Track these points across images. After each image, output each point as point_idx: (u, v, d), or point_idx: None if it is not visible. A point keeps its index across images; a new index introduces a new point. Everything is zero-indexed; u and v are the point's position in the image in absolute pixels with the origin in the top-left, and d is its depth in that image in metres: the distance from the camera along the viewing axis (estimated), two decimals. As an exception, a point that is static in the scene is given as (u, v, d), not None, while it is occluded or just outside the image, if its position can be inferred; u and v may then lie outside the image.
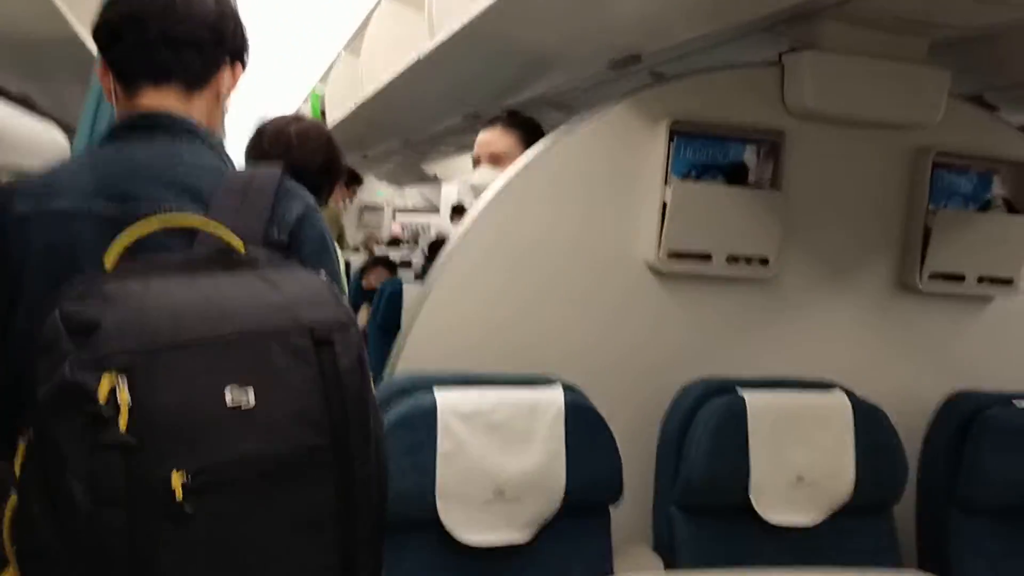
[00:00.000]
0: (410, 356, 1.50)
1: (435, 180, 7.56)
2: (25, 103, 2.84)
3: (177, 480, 0.66)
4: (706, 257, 1.64)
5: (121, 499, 0.65)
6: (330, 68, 5.11)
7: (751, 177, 1.68)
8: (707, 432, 1.48)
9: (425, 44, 2.39)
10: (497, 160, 1.88)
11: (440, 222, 7.94)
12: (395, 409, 1.31)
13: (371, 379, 0.81)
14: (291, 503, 0.73)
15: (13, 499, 0.70)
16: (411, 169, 7.60)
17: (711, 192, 1.64)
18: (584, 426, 1.38)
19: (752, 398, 1.51)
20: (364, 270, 4.32)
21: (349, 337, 0.76)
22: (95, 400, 0.64)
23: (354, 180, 6.33)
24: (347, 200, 5.66)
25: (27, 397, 0.69)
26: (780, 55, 1.67)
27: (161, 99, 0.95)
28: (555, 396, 1.38)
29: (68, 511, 0.64)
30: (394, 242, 6.84)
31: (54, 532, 0.66)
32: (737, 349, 1.69)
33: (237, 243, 0.81)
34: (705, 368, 1.62)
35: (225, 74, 1.02)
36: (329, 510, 0.75)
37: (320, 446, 0.73)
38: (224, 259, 0.79)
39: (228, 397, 0.69)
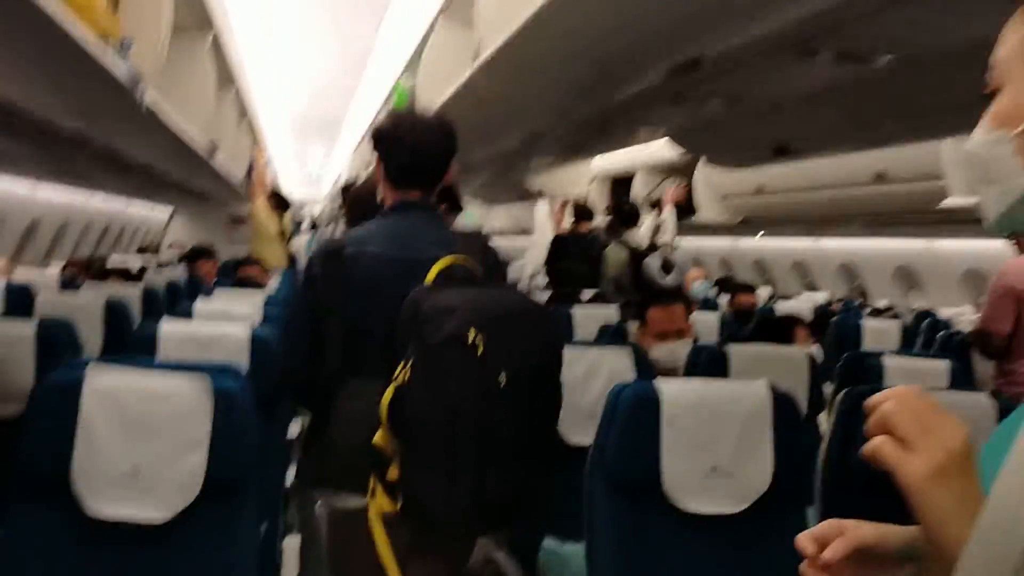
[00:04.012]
0: None
1: (539, 197, 6.70)
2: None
3: (504, 376, 1.33)
4: None
5: (475, 388, 1.32)
6: (418, 53, 4.76)
7: None
8: None
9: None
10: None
11: (534, 247, 6.63)
12: None
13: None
14: (541, 392, 1.42)
15: (389, 391, 1.36)
16: (510, 185, 6.91)
17: None
18: None
19: None
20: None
21: (549, 313, 1.68)
22: (467, 341, 1.31)
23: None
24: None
25: (392, 345, 1.41)
26: None
27: (412, 194, 1.65)
28: None
29: (447, 393, 1.32)
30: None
31: (433, 404, 1.32)
32: None
33: (474, 269, 1.54)
34: None
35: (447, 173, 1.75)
36: (552, 397, 1.44)
37: (544, 365, 1.43)
38: (467, 277, 1.51)
39: (519, 340, 1.38)
